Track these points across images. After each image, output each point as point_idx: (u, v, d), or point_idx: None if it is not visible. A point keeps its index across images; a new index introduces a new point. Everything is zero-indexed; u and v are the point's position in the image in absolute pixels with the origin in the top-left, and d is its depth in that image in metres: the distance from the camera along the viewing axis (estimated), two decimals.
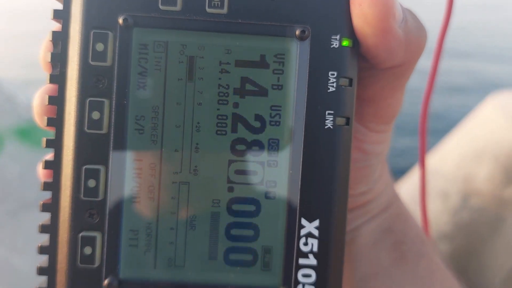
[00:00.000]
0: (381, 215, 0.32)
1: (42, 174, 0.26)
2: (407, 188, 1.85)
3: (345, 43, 0.24)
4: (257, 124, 0.25)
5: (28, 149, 1.07)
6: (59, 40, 0.24)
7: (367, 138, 0.29)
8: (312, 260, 0.25)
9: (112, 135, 0.24)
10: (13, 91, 1.10)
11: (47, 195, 0.25)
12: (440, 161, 1.90)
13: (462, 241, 1.74)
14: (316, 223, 0.25)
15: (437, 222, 1.78)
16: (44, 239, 0.25)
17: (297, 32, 0.24)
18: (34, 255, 1.00)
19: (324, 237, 0.25)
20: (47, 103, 0.25)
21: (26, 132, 1.08)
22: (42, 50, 0.26)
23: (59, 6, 0.25)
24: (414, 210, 1.62)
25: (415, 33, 0.25)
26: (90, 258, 0.24)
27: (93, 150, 0.24)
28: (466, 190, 1.71)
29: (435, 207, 1.78)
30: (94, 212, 0.24)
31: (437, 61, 0.36)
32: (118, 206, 0.24)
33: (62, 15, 0.24)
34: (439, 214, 1.78)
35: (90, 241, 0.24)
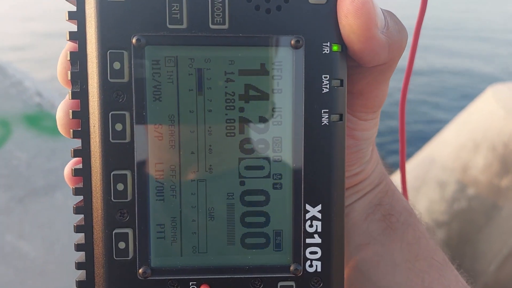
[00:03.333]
0: (372, 192, 0.35)
1: (71, 180, 0.29)
2: (408, 178, 1.87)
3: (335, 48, 0.27)
4: (261, 125, 0.27)
5: (35, 135, 1.07)
6: (77, 59, 0.27)
7: (357, 126, 0.32)
8: (317, 239, 0.28)
9: (135, 143, 0.26)
10: (19, 76, 1.09)
11: (78, 198, 0.28)
12: (438, 150, 1.92)
13: (459, 229, 1.77)
14: (319, 207, 0.28)
15: (435, 210, 1.81)
16: (79, 237, 0.28)
17: (292, 42, 0.26)
18: (41, 240, 1.02)
19: (326, 219, 0.28)
20: (71, 117, 0.27)
21: (33, 119, 1.08)
22: (59, 68, 0.28)
23: (73, 27, 0.27)
24: (414, 197, 1.64)
25: (396, 35, 0.28)
26: (124, 252, 0.27)
27: (119, 157, 0.26)
28: (464, 180, 1.74)
29: (433, 195, 1.81)
30: (125, 211, 0.27)
31: (412, 57, 0.39)
32: (145, 205, 0.27)
33: (77, 37, 0.26)
34: (437, 203, 1.81)
35: (123, 237, 0.27)
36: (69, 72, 0.27)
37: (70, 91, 0.27)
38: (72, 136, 0.27)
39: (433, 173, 1.78)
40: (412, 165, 1.90)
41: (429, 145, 1.96)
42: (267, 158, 0.27)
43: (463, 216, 1.69)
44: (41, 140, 1.08)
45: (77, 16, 0.26)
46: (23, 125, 1.07)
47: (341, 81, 0.27)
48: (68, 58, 0.27)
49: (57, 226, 1.06)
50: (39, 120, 1.09)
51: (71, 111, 0.27)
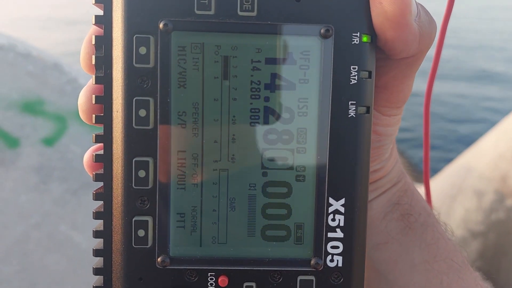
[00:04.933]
0: (390, 190, 0.35)
1: (91, 166, 0.28)
2: (441, 186, 1.85)
3: (365, 39, 0.27)
4: (286, 115, 0.27)
5: (89, 130, 1.12)
6: (102, 44, 0.26)
7: (380, 121, 0.32)
8: (339, 234, 0.27)
9: (158, 130, 0.26)
10: (74, 74, 1.14)
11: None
12: (476, 159, 1.89)
13: (495, 240, 1.74)
14: (342, 201, 0.27)
15: (471, 220, 1.79)
16: (98, 224, 0.28)
17: (322, 31, 0.26)
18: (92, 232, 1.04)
19: (349, 213, 0.27)
20: (94, 102, 0.26)
21: None
22: (82, 52, 0.28)
23: (100, 12, 0.27)
24: (449, 206, 1.62)
25: (427, 26, 0.28)
26: (143, 240, 0.27)
27: (142, 144, 0.26)
28: (503, 190, 1.71)
29: (469, 205, 1.79)
30: (145, 199, 0.26)
31: (439, 53, 0.37)
32: (166, 193, 0.27)
33: (103, 21, 0.26)
34: (473, 213, 1.79)
35: (143, 225, 0.27)
36: (93, 57, 0.26)
37: (93, 76, 0.27)
38: (94, 122, 0.27)
39: (470, 182, 1.76)
40: (449, 173, 1.89)
41: (467, 153, 1.94)
42: (291, 150, 0.27)
43: (501, 227, 1.67)
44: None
45: (104, 0, 0.26)
46: (77, 120, 1.12)
47: (370, 72, 0.27)
48: (93, 43, 0.26)
49: None
50: None
51: (94, 96, 0.26)
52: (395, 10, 0.26)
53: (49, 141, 1.09)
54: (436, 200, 1.76)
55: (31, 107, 1.09)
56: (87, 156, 0.29)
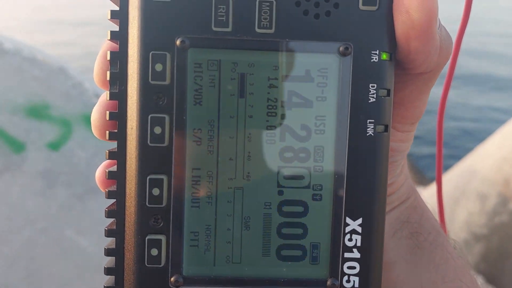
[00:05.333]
0: (400, 207, 0.34)
1: (103, 183, 0.28)
2: (445, 188, 1.85)
3: (384, 56, 0.26)
4: (303, 133, 0.27)
5: (94, 135, 1.12)
6: (118, 60, 0.26)
7: (394, 137, 0.31)
8: (356, 254, 0.27)
9: (173, 147, 0.26)
10: (79, 78, 1.14)
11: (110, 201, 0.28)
12: (479, 162, 1.89)
13: (499, 243, 1.74)
14: (359, 221, 0.27)
15: (474, 223, 1.79)
16: (109, 241, 0.28)
17: (340, 49, 0.26)
18: (99, 236, 1.06)
19: (366, 233, 0.27)
20: (107, 118, 0.26)
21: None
22: (97, 67, 0.28)
23: (115, 27, 0.26)
24: (452, 209, 1.62)
25: (446, 39, 0.28)
26: (156, 259, 0.26)
27: (156, 161, 0.26)
28: (506, 193, 1.71)
29: (472, 208, 1.79)
30: (159, 217, 0.26)
31: (453, 64, 0.37)
32: (180, 211, 0.26)
33: (119, 37, 0.26)
34: (476, 216, 1.79)
35: (156, 244, 0.26)
36: (108, 72, 0.26)
37: (108, 92, 0.26)
38: (108, 138, 0.27)
39: (473, 185, 1.76)
40: (451, 176, 1.88)
41: (470, 156, 1.94)
42: (307, 168, 0.27)
43: (504, 230, 1.67)
44: (98, 140, 1.12)
45: (120, 15, 0.26)
46: (83, 125, 1.12)
47: (388, 91, 0.27)
48: (108, 58, 0.26)
49: None
50: None
51: (108, 112, 0.26)
52: (422, 19, 0.25)
53: (54, 146, 1.09)
54: None
55: (37, 112, 1.09)
56: (100, 172, 0.28)
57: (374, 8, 0.26)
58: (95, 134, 0.29)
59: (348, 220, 0.27)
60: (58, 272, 1.07)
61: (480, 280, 1.56)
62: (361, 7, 0.26)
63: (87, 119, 1.13)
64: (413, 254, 0.33)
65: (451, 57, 0.36)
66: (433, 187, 1.86)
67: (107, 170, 0.27)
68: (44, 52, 1.14)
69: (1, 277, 1.07)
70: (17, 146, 1.08)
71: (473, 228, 1.72)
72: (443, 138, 0.42)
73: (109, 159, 0.27)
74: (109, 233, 0.27)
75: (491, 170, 1.72)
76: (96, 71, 0.28)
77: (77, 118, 1.11)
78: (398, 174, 0.34)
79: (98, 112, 0.28)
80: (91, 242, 1.08)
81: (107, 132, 0.27)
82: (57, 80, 1.12)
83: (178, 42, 0.25)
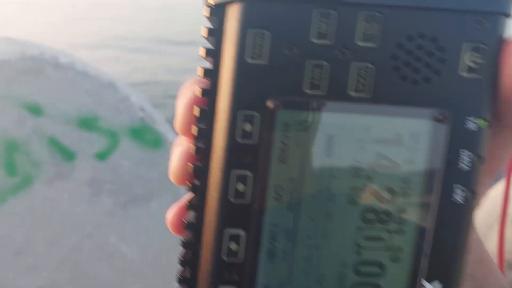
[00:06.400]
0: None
1: (178, 230, 0.28)
2: (480, 213, 1.82)
3: (482, 124, 0.26)
4: (387, 195, 0.26)
5: (139, 147, 1.17)
6: (206, 117, 0.26)
7: None
8: None
9: (254, 204, 0.26)
10: (127, 92, 1.21)
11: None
12: None
13: None
14: (438, 286, 0.27)
15: (508, 250, 1.75)
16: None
17: (436, 116, 0.25)
18: (140, 244, 1.12)
19: None
20: (191, 171, 0.27)
21: (138, 132, 1.18)
22: (181, 118, 0.28)
23: (205, 84, 0.27)
24: (486, 235, 1.60)
25: None
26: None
27: (236, 217, 0.26)
28: None
29: (508, 233, 1.75)
30: (233, 272, 0.26)
31: None
32: (255, 266, 0.26)
33: (208, 95, 0.26)
34: (511, 242, 1.75)
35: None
36: (194, 127, 0.27)
37: (192, 145, 0.27)
38: (188, 190, 0.27)
39: (509, 209, 1.73)
40: (485, 200, 1.86)
41: (505, 180, 1.90)
42: (388, 230, 0.26)
43: None
44: (142, 151, 1.18)
45: (212, 74, 0.26)
46: (128, 137, 1.18)
47: (482, 158, 0.26)
48: (196, 114, 0.27)
49: (151, 233, 1.15)
50: (142, 133, 1.19)
51: (189, 164, 0.27)
52: None
53: (102, 156, 1.16)
54: None
55: (87, 123, 1.16)
56: (173, 218, 0.28)
57: (479, 76, 0.25)
58: (173, 181, 0.29)
59: (424, 282, 0.26)
60: (101, 275, 1.13)
61: None
62: (465, 74, 0.25)
63: (132, 132, 1.19)
64: None
65: None
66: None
67: (184, 220, 0.27)
68: (95, 67, 1.21)
69: (49, 279, 1.14)
70: (68, 155, 1.15)
71: (509, 255, 1.69)
72: None
73: (187, 209, 0.27)
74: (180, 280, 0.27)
75: None
76: (181, 121, 0.28)
77: (124, 130, 1.18)
78: None
79: (179, 161, 0.28)
80: (131, 249, 1.13)
81: (188, 183, 0.27)
82: (106, 94, 1.18)
83: (268, 103, 0.25)
